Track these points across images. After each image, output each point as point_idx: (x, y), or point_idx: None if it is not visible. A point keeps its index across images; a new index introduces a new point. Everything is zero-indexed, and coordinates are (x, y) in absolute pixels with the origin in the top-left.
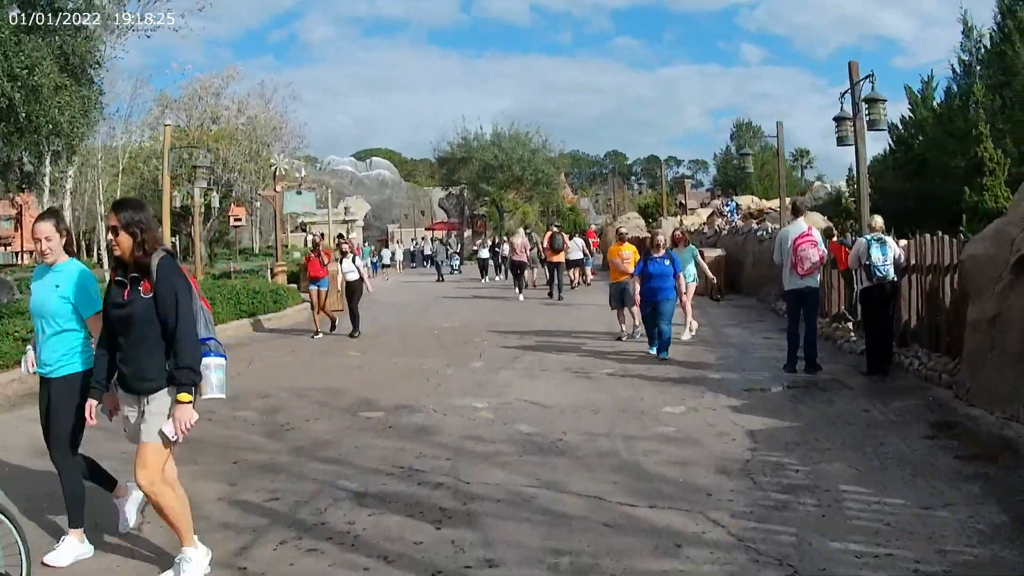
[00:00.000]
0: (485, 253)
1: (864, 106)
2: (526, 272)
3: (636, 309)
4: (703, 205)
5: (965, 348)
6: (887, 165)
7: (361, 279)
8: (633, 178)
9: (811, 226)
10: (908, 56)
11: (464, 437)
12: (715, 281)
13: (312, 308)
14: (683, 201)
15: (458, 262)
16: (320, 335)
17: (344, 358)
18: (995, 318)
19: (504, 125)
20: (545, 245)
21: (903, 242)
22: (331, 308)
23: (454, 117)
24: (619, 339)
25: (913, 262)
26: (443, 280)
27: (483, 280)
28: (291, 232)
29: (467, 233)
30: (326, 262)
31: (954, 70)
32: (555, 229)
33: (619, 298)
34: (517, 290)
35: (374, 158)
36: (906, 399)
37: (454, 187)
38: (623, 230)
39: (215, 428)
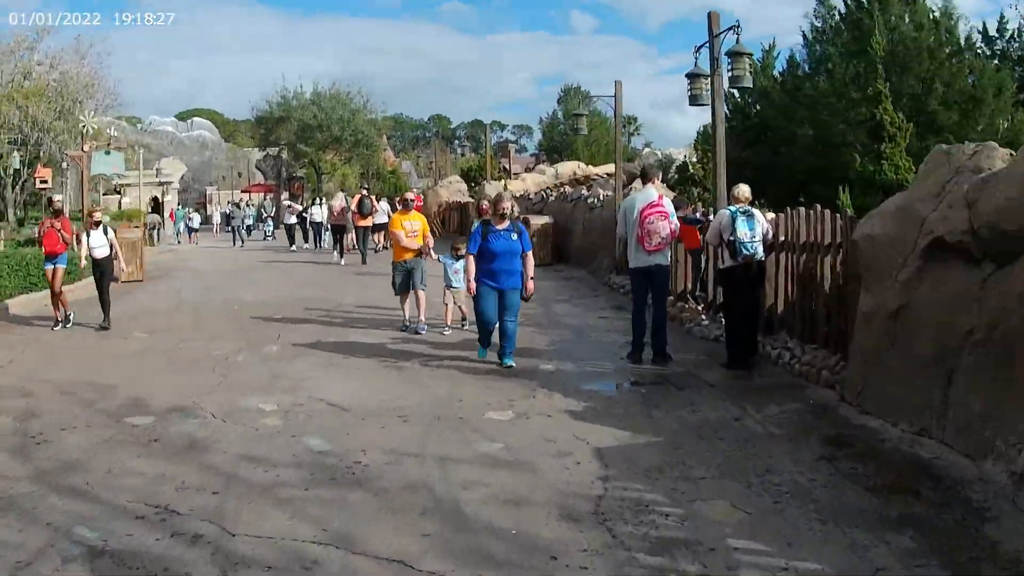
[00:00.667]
0: (292, 219)
1: (726, 61)
2: (346, 236)
3: (462, 296)
4: (527, 170)
5: (854, 343)
6: (706, 135)
7: (114, 256)
8: (456, 142)
9: (662, 195)
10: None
11: (241, 456)
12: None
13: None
14: (507, 166)
15: (271, 227)
16: (60, 326)
17: (129, 340)
18: (899, 311)
19: (325, 85)
20: (353, 209)
21: (771, 215)
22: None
23: (275, 77)
24: (404, 329)
25: (783, 239)
26: (242, 245)
27: (292, 247)
28: (104, 195)
29: (284, 196)
30: (67, 236)
31: (805, 36)
32: (363, 193)
33: (405, 282)
34: (336, 254)
35: (195, 119)
36: (783, 402)
37: (272, 148)
38: (410, 196)
39: None
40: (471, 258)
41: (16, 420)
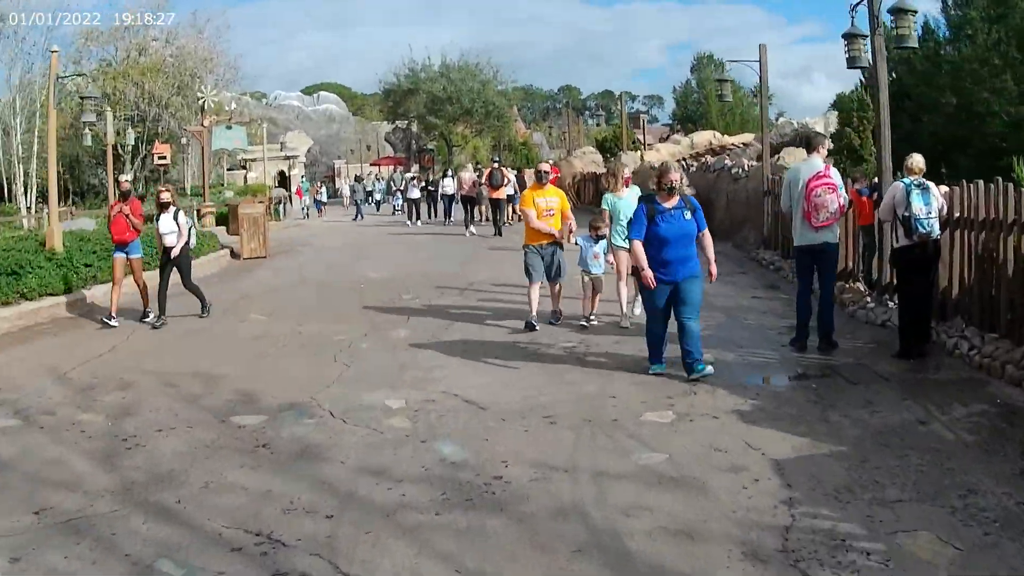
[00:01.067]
0: (415, 193)
1: (889, 19)
2: (476, 208)
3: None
4: (661, 140)
5: None
6: (860, 103)
7: (186, 243)
8: (587, 112)
9: (828, 165)
10: None
11: (362, 468)
12: None
13: (113, 283)
14: (640, 136)
15: (400, 201)
16: (116, 322)
17: (245, 323)
18: None
19: (453, 56)
20: (484, 181)
21: (943, 189)
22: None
23: (403, 50)
24: (530, 328)
25: (958, 215)
26: (361, 219)
27: (412, 224)
28: (229, 171)
29: (414, 168)
30: (136, 222)
31: (945, 2)
32: (494, 165)
33: (542, 269)
34: (466, 226)
35: (322, 92)
36: (969, 402)
37: (401, 121)
38: (544, 167)
39: (39, 441)
40: (638, 244)
41: (109, 419)
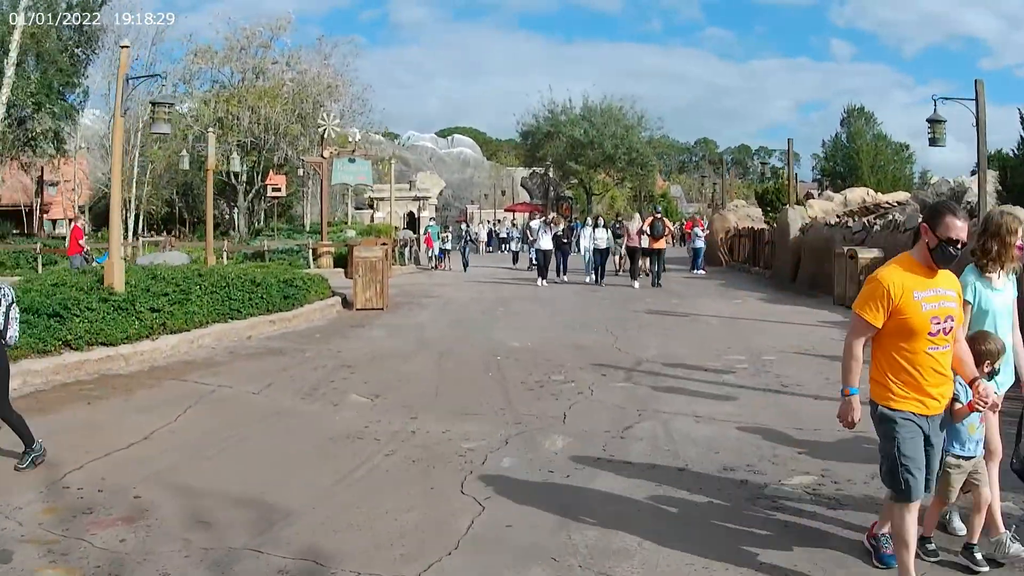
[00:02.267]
0: (546, 243)
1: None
2: (638, 260)
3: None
4: (807, 196)
5: None
6: (1019, 160)
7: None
8: (724, 167)
9: None
10: (994, 58)
11: None
12: None
13: None
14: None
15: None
16: None
17: (340, 409)
18: None
19: (595, 99)
20: (646, 230)
21: None
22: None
23: (542, 93)
24: None
25: None
26: (465, 271)
27: (541, 283)
28: (357, 209)
29: (550, 216)
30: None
31: None
32: (656, 215)
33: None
34: (631, 277)
35: (456, 135)
36: None
37: (538, 165)
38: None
39: None
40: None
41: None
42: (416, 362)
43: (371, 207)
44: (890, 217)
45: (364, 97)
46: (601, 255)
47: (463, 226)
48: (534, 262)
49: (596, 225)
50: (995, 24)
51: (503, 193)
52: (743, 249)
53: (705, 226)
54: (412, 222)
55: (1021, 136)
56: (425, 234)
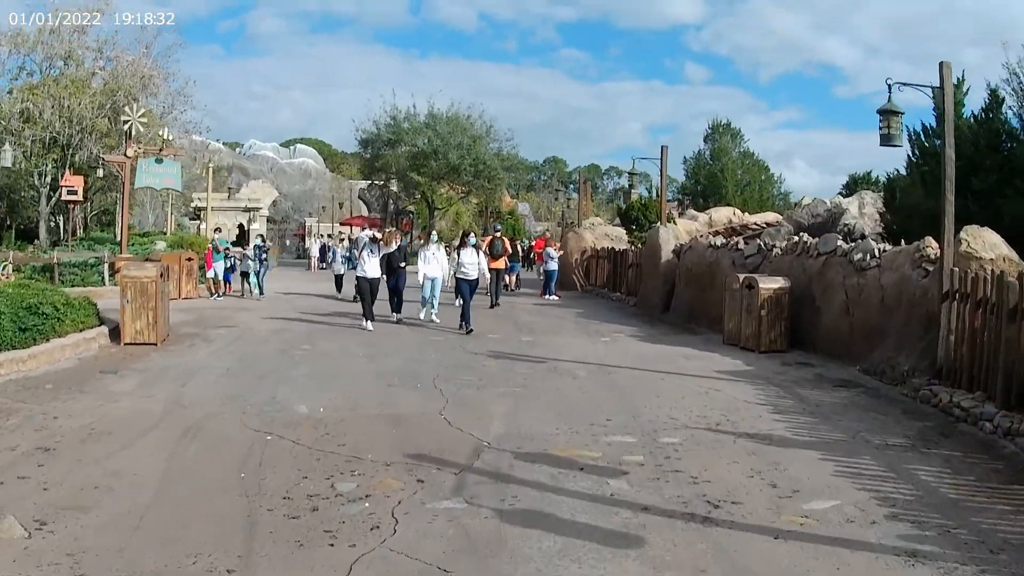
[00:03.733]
0: (372, 268)
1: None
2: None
3: None
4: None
5: None
6: (911, 180)
7: None
8: (571, 186)
9: None
10: (850, 85)
11: None
12: None
13: None
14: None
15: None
16: None
17: None
18: None
19: (442, 106)
20: (484, 250)
21: None
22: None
23: (383, 96)
24: None
25: None
26: (241, 295)
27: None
28: (188, 218)
29: (385, 231)
30: None
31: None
32: (496, 234)
33: None
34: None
35: (299, 145)
36: None
37: (378, 176)
38: None
39: None
40: None
41: None
42: (145, 446)
43: (197, 217)
44: (796, 239)
45: (187, 93)
46: (469, 287)
47: (256, 240)
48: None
49: (459, 244)
50: (852, 52)
51: (340, 206)
52: (601, 272)
53: (558, 246)
54: (242, 234)
55: (909, 156)
56: (207, 249)
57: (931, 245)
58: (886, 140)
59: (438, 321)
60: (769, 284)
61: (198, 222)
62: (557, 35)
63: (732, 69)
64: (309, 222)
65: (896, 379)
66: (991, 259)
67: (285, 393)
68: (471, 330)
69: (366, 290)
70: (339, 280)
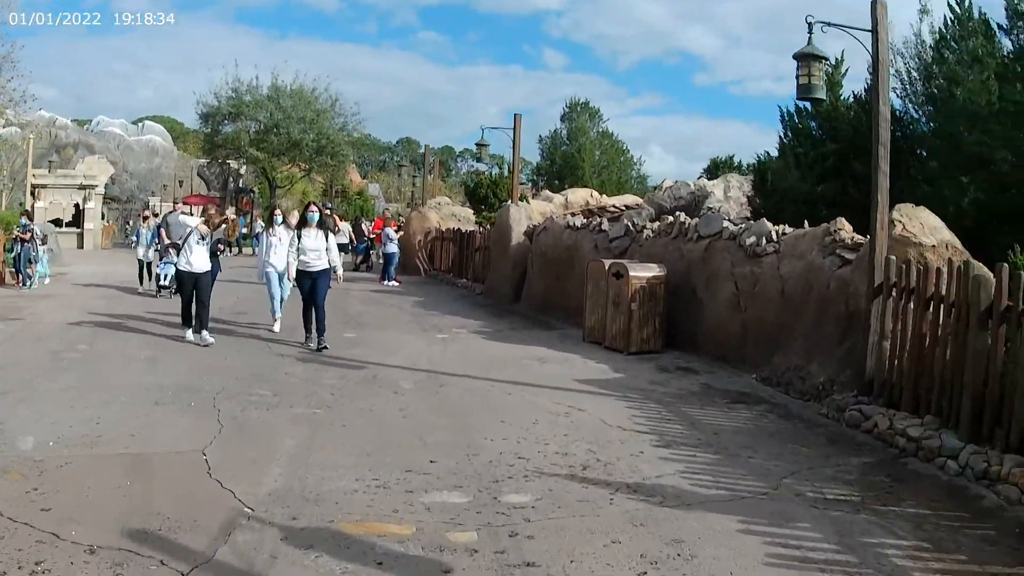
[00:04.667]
0: (199, 260)
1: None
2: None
3: None
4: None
5: None
6: (783, 163)
7: None
8: (436, 169)
9: None
10: (710, 73)
11: None
12: None
13: None
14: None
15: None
16: None
17: None
18: None
19: (287, 77)
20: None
21: None
22: None
23: (225, 67)
24: None
25: None
26: (157, 293)
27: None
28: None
29: (229, 212)
30: None
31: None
32: (326, 211)
33: None
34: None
35: (147, 122)
36: None
37: (218, 153)
38: None
39: None
40: None
41: None
42: None
43: (33, 196)
44: (672, 219)
45: (12, 59)
46: (312, 285)
47: (22, 219)
48: (163, 285)
49: (297, 223)
50: (713, 41)
51: (180, 184)
52: (447, 256)
53: (397, 226)
54: (77, 214)
55: (780, 137)
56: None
57: (844, 227)
58: (805, 91)
59: (277, 331)
60: (641, 272)
61: (33, 201)
62: (417, 18)
63: (591, 56)
64: (152, 201)
65: (808, 393)
66: (932, 245)
67: (21, 416)
68: (324, 347)
69: (188, 287)
70: (143, 268)
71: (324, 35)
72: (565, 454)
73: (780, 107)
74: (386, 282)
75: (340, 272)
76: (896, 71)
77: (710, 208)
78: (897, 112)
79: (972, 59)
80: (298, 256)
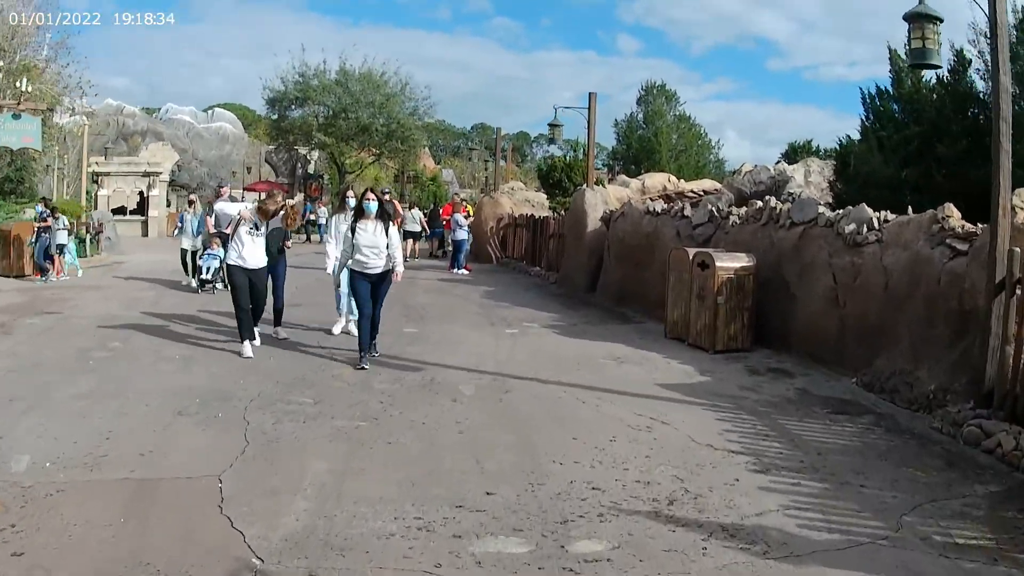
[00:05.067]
0: (254, 254)
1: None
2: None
3: None
4: (597, 183)
5: None
6: (866, 147)
7: None
8: (509, 154)
9: None
10: (784, 59)
11: None
12: None
13: None
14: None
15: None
16: None
17: None
18: None
19: (355, 61)
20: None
21: None
22: None
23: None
24: None
25: None
26: (199, 288)
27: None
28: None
29: (297, 197)
30: None
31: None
32: (384, 196)
33: None
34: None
35: (217, 109)
36: None
37: (285, 138)
38: None
39: None
40: None
41: None
42: None
43: (96, 183)
44: (761, 204)
45: (68, 45)
46: (369, 286)
47: (39, 206)
48: (205, 279)
49: (354, 211)
50: (786, 26)
51: (248, 170)
52: (519, 243)
53: (468, 212)
54: (142, 203)
55: (862, 120)
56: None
57: (952, 214)
58: (919, 56)
59: (336, 333)
60: (728, 263)
61: (96, 188)
62: (490, 4)
63: (664, 41)
64: (224, 188)
65: (917, 402)
66: None
67: (24, 428)
68: (376, 354)
69: (243, 288)
70: (187, 259)
71: (397, 22)
72: (647, 483)
73: (862, 88)
74: (455, 270)
75: (401, 270)
76: (980, 51)
77: (790, 193)
78: (981, 93)
79: None
80: (353, 254)
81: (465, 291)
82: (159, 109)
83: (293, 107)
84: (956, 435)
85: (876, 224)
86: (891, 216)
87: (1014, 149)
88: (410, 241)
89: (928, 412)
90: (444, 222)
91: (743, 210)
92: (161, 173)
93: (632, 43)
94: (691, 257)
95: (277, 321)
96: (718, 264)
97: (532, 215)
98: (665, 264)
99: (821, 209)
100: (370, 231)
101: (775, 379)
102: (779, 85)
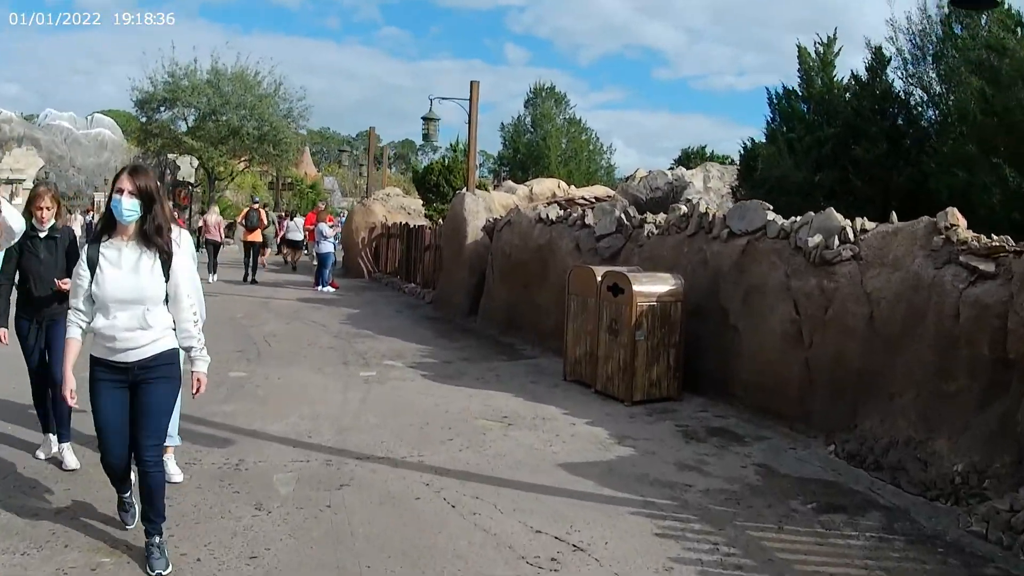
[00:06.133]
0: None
1: None
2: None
3: None
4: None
5: None
6: (774, 149)
7: None
8: (387, 160)
9: None
10: (672, 68)
11: None
12: None
13: None
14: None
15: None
16: None
17: None
18: None
19: (228, 60)
20: (240, 222)
21: None
22: None
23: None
24: None
25: None
26: None
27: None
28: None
29: (167, 206)
30: None
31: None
32: (254, 205)
33: None
34: (209, 271)
35: (97, 115)
36: None
37: (154, 141)
38: None
39: None
40: None
41: None
42: None
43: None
44: (685, 208)
45: None
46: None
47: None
48: None
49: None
50: (674, 35)
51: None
52: (393, 255)
53: (334, 221)
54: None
55: (768, 120)
56: None
57: (958, 221)
58: None
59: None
60: (650, 286)
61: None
62: (379, 13)
63: (552, 50)
64: (98, 197)
65: (936, 487)
66: None
67: None
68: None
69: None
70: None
71: (287, 30)
72: None
73: (768, 88)
74: (320, 288)
75: (203, 369)
76: (898, 48)
77: (688, 200)
78: (899, 94)
79: (1015, 23)
80: (83, 318)
81: (324, 315)
82: (38, 115)
83: (162, 109)
84: (1012, 545)
85: (851, 235)
86: (869, 225)
87: (943, 149)
88: (292, 250)
89: (955, 503)
90: (307, 232)
91: (661, 217)
92: (24, 180)
93: (520, 52)
94: (599, 278)
95: None
96: (636, 288)
97: (407, 224)
98: (563, 285)
99: (771, 216)
100: (126, 266)
101: (722, 448)
102: (668, 94)
